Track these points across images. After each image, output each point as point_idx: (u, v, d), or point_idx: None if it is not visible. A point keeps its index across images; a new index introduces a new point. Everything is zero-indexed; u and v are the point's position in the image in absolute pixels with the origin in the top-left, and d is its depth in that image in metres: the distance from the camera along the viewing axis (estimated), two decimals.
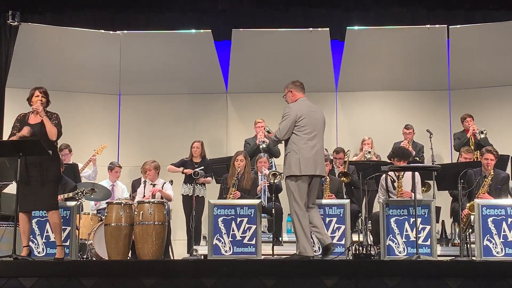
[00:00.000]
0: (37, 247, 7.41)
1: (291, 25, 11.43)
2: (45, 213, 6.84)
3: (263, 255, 7.44)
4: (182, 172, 9.27)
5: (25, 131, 6.54)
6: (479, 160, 8.40)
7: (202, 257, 8.04)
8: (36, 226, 7.42)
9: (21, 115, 6.75)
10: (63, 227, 7.04)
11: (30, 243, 7.13)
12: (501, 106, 11.14)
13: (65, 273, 5.82)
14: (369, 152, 9.78)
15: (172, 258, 8.52)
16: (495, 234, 7.13)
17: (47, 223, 7.15)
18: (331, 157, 9.10)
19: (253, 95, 11.62)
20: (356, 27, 11.28)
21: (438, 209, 8.66)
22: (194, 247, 8.36)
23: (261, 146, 9.63)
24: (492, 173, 7.87)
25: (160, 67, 11.52)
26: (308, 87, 11.19)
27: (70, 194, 7.99)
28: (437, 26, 11.11)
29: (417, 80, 11.39)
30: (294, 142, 6.72)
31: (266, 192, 8.61)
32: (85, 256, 8.07)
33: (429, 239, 7.26)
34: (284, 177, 6.88)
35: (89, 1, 11.25)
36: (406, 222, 7.29)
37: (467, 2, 11.06)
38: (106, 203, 7.97)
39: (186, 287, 5.72)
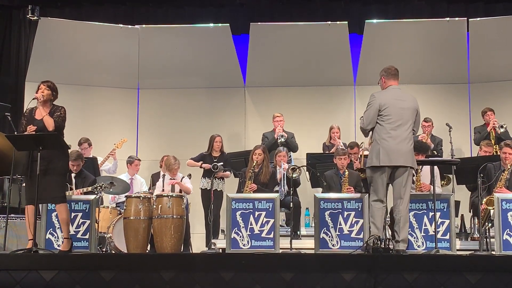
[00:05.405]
0: (57, 240, 7.39)
1: (309, 19, 11.40)
2: None
3: (281, 248, 7.42)
4: (200, 167, 9.29)
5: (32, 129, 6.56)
6: (498, 154, 8.33)
7: (221, 250, 8.05)
8: (56, 219, 7.37)
9: (27, 110, 6.73)
10: (83, 220, 7.11)
11: (50, 236, 7.21)
12: None
13: (85, 266, 5.87)
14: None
15: (190, 251, 8.54)
16: None
17: None
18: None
19: (271, 89, 11.61)
20: (375, 20, 11.24)
21: (457, 203, 8.60)
22: (213, 240, 8.37)
23: (279, 140, 9.63)
24: (510, 167, 7.79)
25: (179, 61, 11.53)
26: (326, 80, 11.46)
27: (90, 188, 8.04)
28: (456, 19, 11.02)
29: (436, 74, 11.31)
30: (377, 132, 6.66)
31: (285, 186, 8.60)
32: (104, 249, 8.11)
33: (448, 233, 7.21)
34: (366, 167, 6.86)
35: None
36: (425, 216, 7.25)
37: None
38: (125, 196, 8.01)
39: (204, 281, 5.73)
